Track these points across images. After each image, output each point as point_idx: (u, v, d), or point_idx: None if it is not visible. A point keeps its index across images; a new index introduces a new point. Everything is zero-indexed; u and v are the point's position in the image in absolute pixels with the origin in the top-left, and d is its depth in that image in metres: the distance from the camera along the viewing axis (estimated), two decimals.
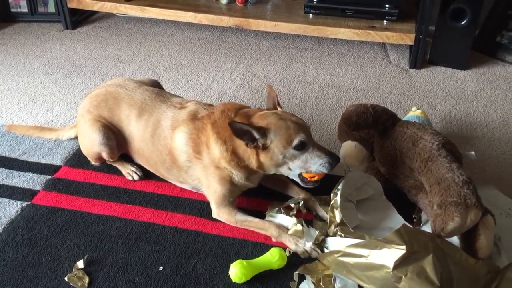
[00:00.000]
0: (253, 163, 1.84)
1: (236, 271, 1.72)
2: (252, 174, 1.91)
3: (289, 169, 1.84)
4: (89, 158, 2.20)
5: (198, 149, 1.91)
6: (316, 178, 1.86)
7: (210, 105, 2.05)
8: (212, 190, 1.94)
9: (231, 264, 1.74)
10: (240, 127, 1.74)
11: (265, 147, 1.79)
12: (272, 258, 1.76)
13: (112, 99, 2.09)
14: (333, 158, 1.80)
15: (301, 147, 1.78)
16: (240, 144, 1.82)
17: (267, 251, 1.80)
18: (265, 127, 1.77)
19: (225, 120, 1.86)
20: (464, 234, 1.70)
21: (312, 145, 1.81)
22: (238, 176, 1.89)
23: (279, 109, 1.91)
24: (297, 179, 1.89)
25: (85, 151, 2.19)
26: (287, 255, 1.81)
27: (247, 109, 1.95)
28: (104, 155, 2.12)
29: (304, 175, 1.86)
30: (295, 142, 1.77)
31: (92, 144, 2.10)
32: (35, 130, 2.41)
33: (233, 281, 1.72)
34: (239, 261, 1.74)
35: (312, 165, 1.81)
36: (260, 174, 1.94)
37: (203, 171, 1.93)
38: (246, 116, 1.87)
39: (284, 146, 1.77)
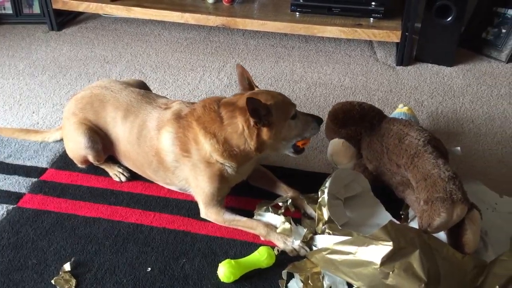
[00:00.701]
0: (251, 145, 1.84)
1: (225, 270, 1.71)
2: (244, 163, 1.91)
3: (285, 141, 1.90)
4: (75, 161, 2.18)
5: (185, 148, 1.90)
6: (307, 144, 1.98)
7: (193, 103, 2.04)
8: (200, 190, 1.93)
9: (220, 264, 1.74)
10: (259, 103, 1.75)
11: (269, 124, 1.81)
12: (260, 257, 1.76)
13: (98, 101, 2.07)
14: (318, 119, 1.95)
15: (295, 116, 1.88)
16: (232, 132, 1.82)
17: (256, 250, 1.79)
18: (267, 104, 1.79)
19: (209, 113, 1.87)
20: (451, 229, 1.72)
21: (299, 113, 1.92)
22: (230, 168, 1.89)
23: (256, 89, 1.93)
24: (290, 152, 1.95)
25: (70, 154, 2.17)
26: (276, 253, 1.81)
27: (226, 98, 1.96)
28: (90, 158, 2.11)
29: (297, 143, 1.94)
30: (292, 113, 1.87)
31: (78, 147, 2.08)
32: (20, 133, 2.39)
33: (222, 280, 1.72)
34: (227, 260, 1.74)
35: (306, 130, 1.92)
36: (251, 162, 1.95)
37: (192, 170, 1.92)
38: (231, 104, 1.87)
39: (285, 118, 1.85)
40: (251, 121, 1.79)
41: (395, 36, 3.03)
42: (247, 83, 1.95)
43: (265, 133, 1.83)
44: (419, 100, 2.77)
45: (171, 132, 1.92)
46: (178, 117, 1.94)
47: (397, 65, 3.11)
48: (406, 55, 3.07)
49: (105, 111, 2.05)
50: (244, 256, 1.78)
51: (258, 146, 1.85)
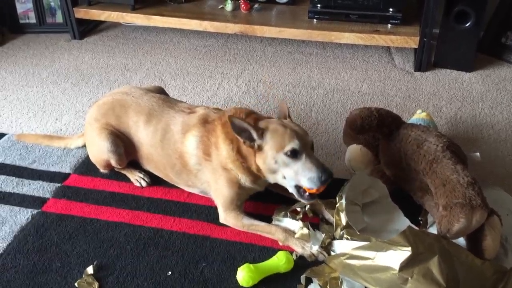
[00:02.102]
0: (252, 165, 1.86)
1: (244, 275, 1.73)
2: (257, 178, 1.92)
3: (284, 177, 1.82)
4: (97, 166, 2.23)
5: (207, 151, 1.94)
6: (314, 191, 1.78)
7: (219, 109, 2.08)
8: (219, 194, 1.96)
9: (239, 268, 1.75)
10: (239, 123, 1.76)
11: (260, 149, 1.80)
12: (279, 262, 1.78)
13: (119, 107, 2.12)
14: (325, 174, 1.72)
15: (293, 155, 1.74)
16: (242, 145, 1.85)
17: (274, 255, 1.81)
18: (264, 130, 1.80)
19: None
20: (470, 235, 1.71)
21: (306, 156, 1.75)
22: (243, 179, 1.91)
23: (287, 119, 1.92)
24: (293, 190, 1.83)
25: (93, 159, 2.22)
26: (294, 258, 1.82)
27: (257, 114, 1.98)
28: (113, 162, 2.15)
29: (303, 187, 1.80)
30: (287, 148, 1.74)
31: (101, 152, 2.13)
32: (44, 139, 2.45)
33: (241, 285, 1.73)
34: (246, 265, 1.76)
35: (302, 178, 1.76)
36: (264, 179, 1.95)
37: (212, 174, 1.95)
38: (254, 119, 1.90)
39: (277, 150, 1.76)
40: (240, 139, 1.80)
41: (413, 42, 3.03)
42: (282, 115, 1.94)
43: (257, 156, 1.82)
44: (438, 106, 2.77)
45: (197, 136, 1.95)
46: (205, 122, 1.98)
47: (415, 71, 3.10)
48: (424, 61, 3.07)
49: (127, 116, 2.10)
50: (263, 261, 1.80)
51: (256, 167, 1.85)
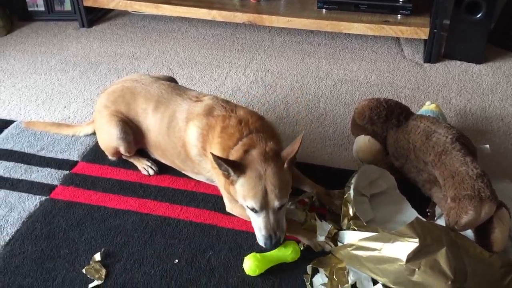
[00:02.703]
0: (225, 183, 1.82)
1: (250, 264, 1.73)
2: None
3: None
4: (106, 153, 2.23)
5: (205, 146, 1.92)
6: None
7: (228, 102, 2.03)
8: (222, 187, 1.95)
9: (245, 257, 1.76)
10: (220, 162, 1.69)
11: (232, 184, 1.75)
12: (286, 252, 1.78)
13: (129, 94, 2.12)
14: (268, 241, 1.71)
15: (252, 210, 1.72)
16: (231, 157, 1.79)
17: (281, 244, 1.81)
18: (242, 171, 1.72)
19: (235, 133, 1.83)
20: (479, 227, 1.70)
21: (264, 217, 1.71)
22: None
23: (285, 165, 1.76)
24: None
25: (103, 145, 2.22)
26: (301, 248, 1.82)
27: (266, 133, 1.86)
28: (122, 150, 2.15)
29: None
30: (248, 202, 1.71)
31: (110, 139, 2.13)
32: (52, 127, 2.46)
33: (247, 273, 1.74)
34: (253, 254, 1.76)
35: (255, 230, 1.77)
36: None
37: (212, 168, 1.94)
38: (253, 143, 1.79)
39: (241, 197, 1.74)
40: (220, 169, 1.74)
41: (423, 33, 3.00)
42: (289, 151, 1.77)
43: (228, 182, 1.77)
44: (447, 97, 2.74)
45: (198, 127, 1.93)
46: (209, 114, 1.94)
47: (424, 62, 3.08)
48: (434, 52, 3.04)
49: (136, 103, 2.10)
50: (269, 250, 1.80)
51: (228, 188, 1.81)
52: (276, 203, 1.71)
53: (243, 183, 1.72)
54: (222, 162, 1.69)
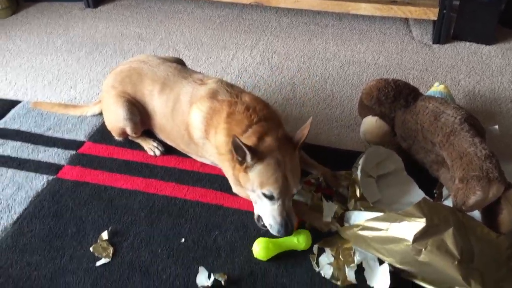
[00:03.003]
0: (235, 171, 1.79)
1: (260, 248, 1.72)
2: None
3: (255, 202, 1.78)
4: (113, 133, 2.23)
5: (208, 130, 1.90)
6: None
7: (232, 86, 2.00)
8: (225, 170, 1.95)
9: (256, 240, 1.75)
10: (239, 146, 1.65)
11: (246, 170, 1.72)
12: (298, 240, 1.74)
13: (136, 75, 2.11)
14: (283, 229, 1.70)
15: (268, 197, 1.70)
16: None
17: None
18: (259, 158, 1.69)
19: (243, 120, 1.81)
20: (486, 208, 1.69)
21: (279, 205, 1.70)
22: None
23: (296, 152, 1.78)
24: (255, 214, 1.82)
25: (109, 126, 2.22)
26: (307, 228, 1.82)
27: (273, 121, 1.85)
28: (128, 130, 2.15)
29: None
30: (266, 189, 1.69)
31: (117, 119, 2.13)
32: (60, 107, 2.46)
33: (255, 256, 1.73)
34: (264, 239, 1.75)
35: (265, 218, 1.75)
36: None
37: (215, 153, 1.93)
38: (265, 130, 1.77)
39: (257, 184, 1.70)
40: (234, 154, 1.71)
41: (432, 14, 2.95)
42: (299, 136, 1.78)
43: (241, 171, 1.74)
44: (456, 79, 2.71)
45: (202, 110, 1.91)
46: (213, 98, 1.91)
47: (433, 43, 3.04)
48: (443, 33, 2.99)
49: (143, 84, 2.09)
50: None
51: (235, 175, 1.80)
52: (294, 190, 1.73)
53: (261, 170, 1.69)
54: (242, 146, 1.65)
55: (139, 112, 2.12)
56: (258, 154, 1.69)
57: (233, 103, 1.87)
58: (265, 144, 1.73)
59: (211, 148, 1.94)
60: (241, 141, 1.64)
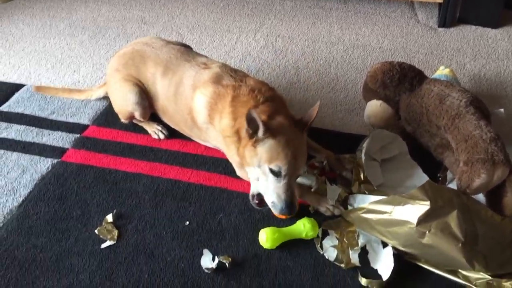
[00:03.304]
0: (240, 149, 1.78)
1: (267, 237, 1.71)
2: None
3: (257, 179, 1.75)
4: (120, 116, 2.23)
5: (212, 115, 1.89)
6: (264, 206, 1.75)
7: (236, 71, 1.98)
8: (229, 154, 1.94)
9: (262, 229, 1.74)
10: (255, 117, 1.63)
11: (255, 144, 1.70)
12: (305, 228, 1.73)
13: (139, 57, 2.10)
14: (286, 208, 1.67)
15: (274, 174, 1.67)
16: (243, 126, 1.74)
17: None
18: (271, 134, 1.67)
19: (249, 101, 1.80)
20: (490, 191, 1.69)
21: (285, 183, 1.67)
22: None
23: (304, 134, 1.78)
24: (253, 192, 1.78)
25: (117, 108, 2.21)
26: (311, 211, 1.82)
27: (278, 103, 1.84)
28: (137, 115, 2.14)
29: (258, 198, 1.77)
30: (274, 164, 1.66)
31: (126, 104, 2.11)
32: (64, 92, 2.45)
33: (261, 245, 1.73)
34: (270, 227, 1.74)
35: (268, 195, 1.71)
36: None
37: (218, 137, 1.92)
38: (272, 111, 1.76)
39: (265, 159, 1.67)
40: (246, 126, 1.69)
41: None
42: (307, 118, 1.77)
43: (248, 146, 1.72)
44: (461, 62, 2.69)
45: (206, 95, 1.89)
46: (216, 82, 1.89)
47: (439, 27, 3.01)
48: (449, 16, 2.97)
49: (145, 67, 2.08)
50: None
51: (240, 153, 1.77)
52: (300, 171, 1.73)
53: (272, 145, 1.67)
54: (257, 119, 1.63)
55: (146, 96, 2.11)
56: (270, 130, 1.68)
57: (237, 87, 1.86)
58: (275, 122, 1.73)
59: (214, 133, 1.94)
60: (255, 113, 1.62)
